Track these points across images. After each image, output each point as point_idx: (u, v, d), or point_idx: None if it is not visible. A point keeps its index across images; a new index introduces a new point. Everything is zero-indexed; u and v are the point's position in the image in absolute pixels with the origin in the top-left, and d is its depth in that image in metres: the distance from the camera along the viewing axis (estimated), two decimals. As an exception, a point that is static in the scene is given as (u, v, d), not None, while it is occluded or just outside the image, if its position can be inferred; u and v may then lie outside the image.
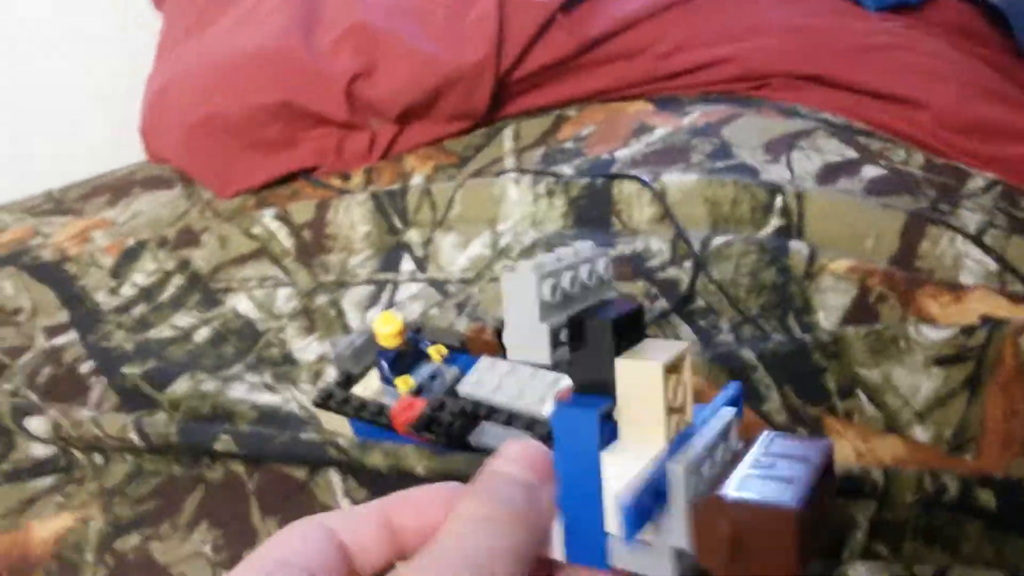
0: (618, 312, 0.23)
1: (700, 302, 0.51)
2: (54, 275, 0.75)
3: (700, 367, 0.45)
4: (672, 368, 0.22)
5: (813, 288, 0.48)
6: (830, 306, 0.47)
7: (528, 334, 0.24)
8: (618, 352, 0.22)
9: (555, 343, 0.24)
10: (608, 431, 0.22)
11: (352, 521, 0.26)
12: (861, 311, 0.46)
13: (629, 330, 0.23)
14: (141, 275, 0.73)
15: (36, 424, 0.54)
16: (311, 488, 0.46)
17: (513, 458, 0.23)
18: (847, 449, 0.39)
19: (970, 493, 0.34)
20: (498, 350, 0.49)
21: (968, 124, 0.64)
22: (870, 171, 0.59)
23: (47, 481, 0.55)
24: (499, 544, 0.22)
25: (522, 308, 0.24)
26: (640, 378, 0.22)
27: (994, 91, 0.70)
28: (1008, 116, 0.65)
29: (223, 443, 0.47)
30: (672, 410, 0.22)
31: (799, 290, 0.49)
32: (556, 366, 0.40)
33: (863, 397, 0.41)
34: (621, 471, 0.21)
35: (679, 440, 0.22)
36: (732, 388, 0.24)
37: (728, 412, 0.24)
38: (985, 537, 0.34)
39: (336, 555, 0.25)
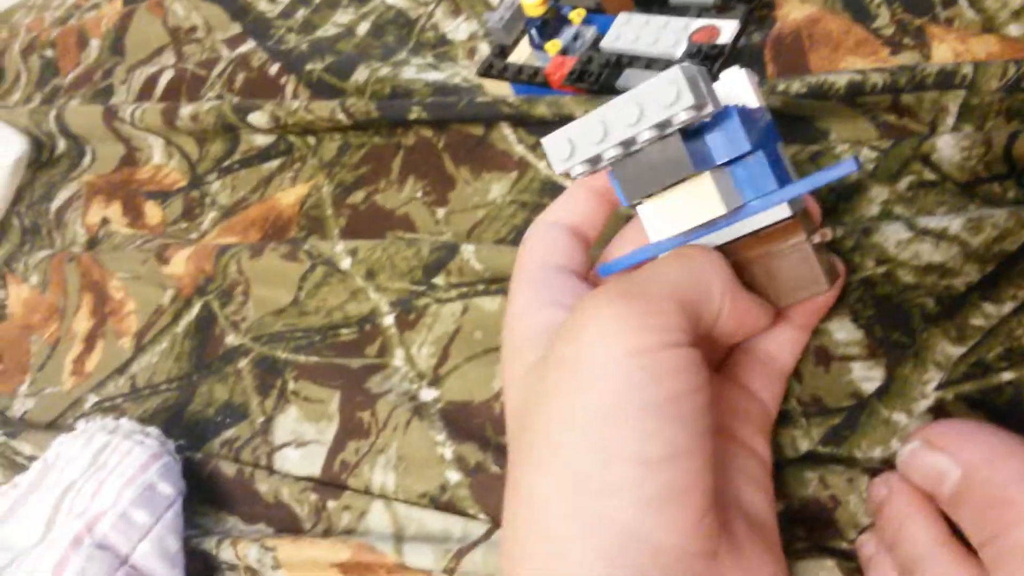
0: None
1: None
2: (216, -8, 0.84)
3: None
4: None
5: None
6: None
7: None
8: None
9: None
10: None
11: (573, 205, 0.34)
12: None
13: None
14: (292, -19, 0.80)
15: (256, 117, 0.67)
16: (488, 140, 0.57)
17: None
18: (947, 52, 0.45)
19: (1049, 74, 0.40)
20: (632, 6, 0.56)
21: None
22: None
23: (275, 163, 0.69)
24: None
25: None
26: None
27: None
28: None
29: (415, 112, 0.57)
30: None
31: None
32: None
33: (963, 4, 0.46)
34: None
35: None
36: None
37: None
38: (1057, 109, 0.41)
39: (582, 246, 0.33)
